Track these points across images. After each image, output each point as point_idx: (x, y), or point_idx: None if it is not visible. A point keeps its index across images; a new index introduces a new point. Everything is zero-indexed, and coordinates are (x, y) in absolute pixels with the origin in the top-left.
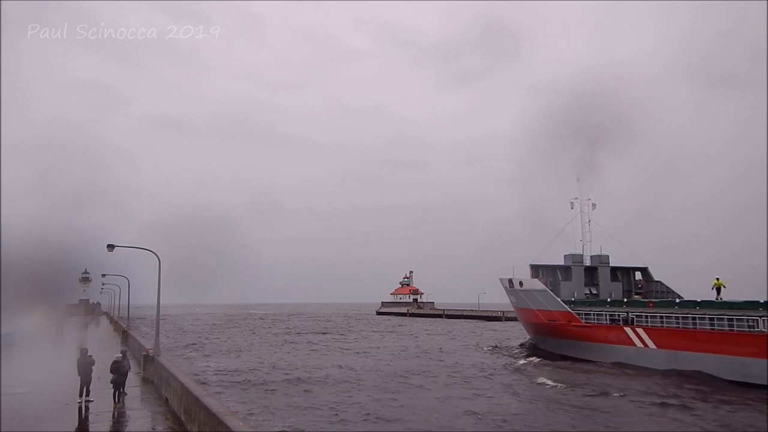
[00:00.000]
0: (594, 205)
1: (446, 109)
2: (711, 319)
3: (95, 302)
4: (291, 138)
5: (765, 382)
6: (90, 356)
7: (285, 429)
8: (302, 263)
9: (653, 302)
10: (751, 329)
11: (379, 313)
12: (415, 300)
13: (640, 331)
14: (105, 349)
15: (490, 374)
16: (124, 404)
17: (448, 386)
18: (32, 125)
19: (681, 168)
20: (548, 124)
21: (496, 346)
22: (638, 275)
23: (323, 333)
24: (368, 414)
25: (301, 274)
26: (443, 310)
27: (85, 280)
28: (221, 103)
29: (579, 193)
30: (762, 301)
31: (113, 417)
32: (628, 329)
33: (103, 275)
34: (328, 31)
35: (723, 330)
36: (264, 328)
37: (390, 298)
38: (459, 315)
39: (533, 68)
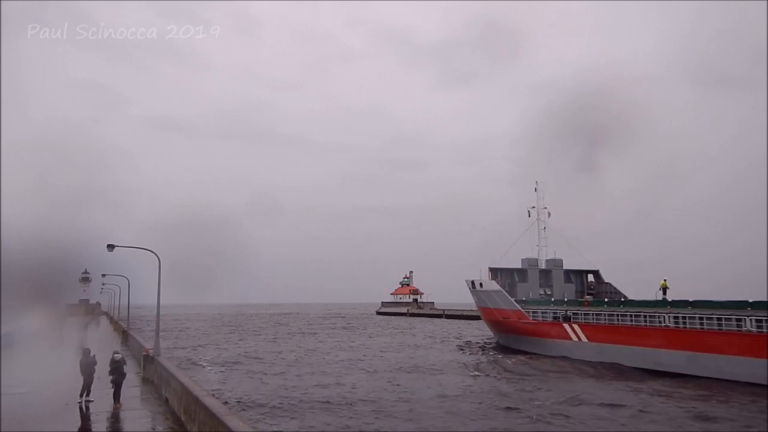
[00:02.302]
0: (549, 213)
1: (446, 109)
2: (630, 316)
3: (95, 302)
4: (291, 138)
5: (670, 370)
6: (93, 356)
7: (283, 430)
8: (302, 263)
9: (588, 301)
10: (660, 324)
11: (379, 313)
12: (415, 300)
13: (576, 327)
14: (105, 350)
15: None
16: (122, 404)
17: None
18: (32, 125)
19: (681, 168)
20: (548, 124)
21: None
22: (590, 277)
23: (322, 334)
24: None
25: (301, 274)
26: (443, 310)
27: (85, 280)
28: (221, 103)
29: (536, 202)
30: (669, 300)
31: (113, 417)
32: (566, 325)
33: (103, 275)
34: (328, 32)
35: (639, 325)
36: (264, 329)
37: (390, 298)
38: (459, 315)
39: (533, 68)
